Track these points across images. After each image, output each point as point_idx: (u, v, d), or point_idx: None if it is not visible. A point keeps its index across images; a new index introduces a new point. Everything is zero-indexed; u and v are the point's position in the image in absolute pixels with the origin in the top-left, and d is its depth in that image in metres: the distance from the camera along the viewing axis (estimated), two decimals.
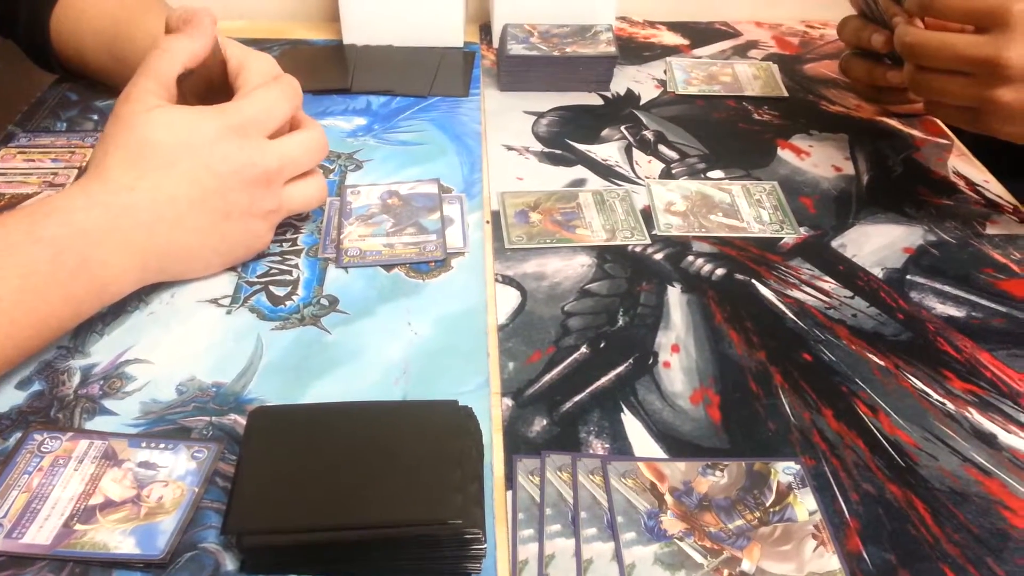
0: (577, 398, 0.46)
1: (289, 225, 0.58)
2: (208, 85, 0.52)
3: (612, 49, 0.76)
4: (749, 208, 0.62)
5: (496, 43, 0.83)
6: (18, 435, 0.42)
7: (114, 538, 0.38)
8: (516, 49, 0.76)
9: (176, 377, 0.46)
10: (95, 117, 0.70)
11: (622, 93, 0.77)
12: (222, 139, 0.48)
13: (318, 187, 0.55)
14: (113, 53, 0.68)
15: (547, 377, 0.48)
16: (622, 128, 0.72)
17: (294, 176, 0.52)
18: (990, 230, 0.61)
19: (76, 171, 0.63)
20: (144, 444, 0.42)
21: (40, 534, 0.38)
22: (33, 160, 0.64)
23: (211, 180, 0.48)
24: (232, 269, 0.53)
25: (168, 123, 0.47)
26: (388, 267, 0.55)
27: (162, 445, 0.42)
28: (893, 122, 0.74)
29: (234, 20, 0.87)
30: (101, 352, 0.48)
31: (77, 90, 0.74)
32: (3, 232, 0.44)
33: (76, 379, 0.46)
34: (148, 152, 0.47)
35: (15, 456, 0.41)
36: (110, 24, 0.68)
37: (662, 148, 0.69)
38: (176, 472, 0.41)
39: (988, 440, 0.45)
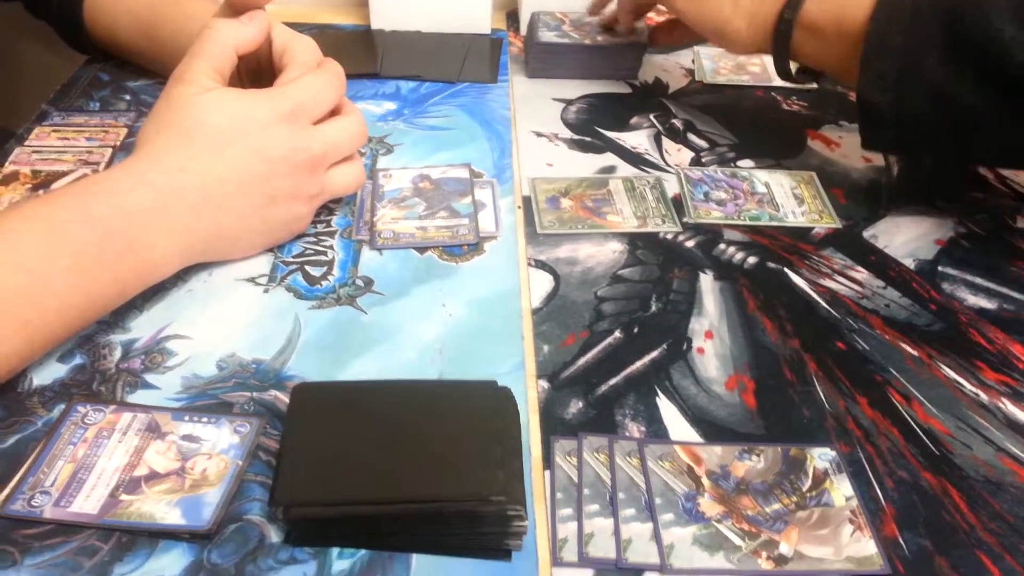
0: (612, 382, 0.47)
1: (323, 207, 0.58)
2: (257, 65, 0.53)
3: (643, 38, 0.76)
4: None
5: (523, 30, 0.83)
6: (62, 407, 0.43)
7: (160, 509, 0.38)
8: (547, 36, 0.76)
9: (216, 353, 0.47)
10: (127, 97, 0.70)
11: (650, 81, 0.78)
12: (273, 124, 0.48)
13: (358, 172, 0.55)
14: (148, 34, 0.68)
15: (582, 360, 0.48)
16: (651, 116, 0.72)
17: (337, 161, 0.53)
18: (1021, 224, 0.61)
19: (110, 149, 0.63)
20: (187, 418, 0.43)
21: (87, 503, 0.38)
22: (68, 139, 0.65)
23: (260, 164, 0.48)
24: (269, 249, 0.54)
25: (221, 106, 0.48)
26: (421, 249, 0.55)
27: (205, 419, 0.42)
28: None
29: None
30: (141, 328, 0.48)
31: (108, 70, 0.74)
32: (53, 210, 0.44)
33: (117, 353, 0.46)
34: (200, 134, 0.47)
35: (59, 427, 0.42)
36: (145, 5, 0.68)
37: (691, 136, 0.69)
38: (219, 445, 0.41)
39: (1022, 431, 0.45)
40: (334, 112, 0.54)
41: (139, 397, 0.44)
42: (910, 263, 0.57)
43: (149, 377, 0.45)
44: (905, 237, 0.59)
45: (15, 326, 0.42)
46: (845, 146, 0.69)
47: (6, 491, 0.39)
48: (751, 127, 0.71)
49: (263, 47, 0.53)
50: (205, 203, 0.48)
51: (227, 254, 0.52)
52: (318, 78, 0.51)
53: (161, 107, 0.48)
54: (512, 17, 0.89)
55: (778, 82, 0.77)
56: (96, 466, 0.40)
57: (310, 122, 0.50)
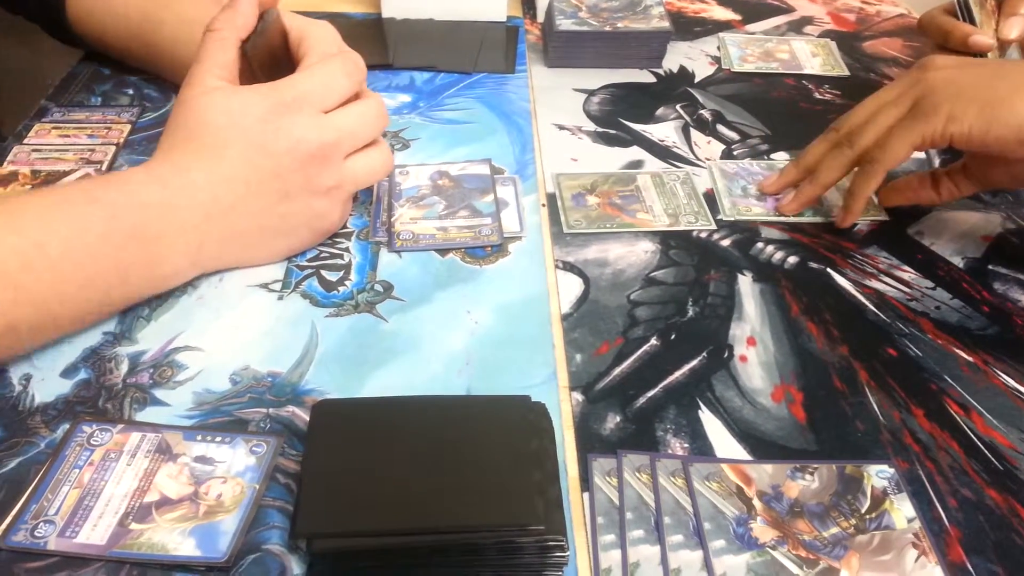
0: (650, 393, 0.44)
1: None
2: (272, 56, 0.50)
3: (666, 24, 0.73)
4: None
5: (540, 17, 0.80)
6: (66, 426, 0.40)
7: (173, 539, 0.35)
8: (565, 24, 0.73)
9: (229, 366, 0.44)
10: (130, 91, 0.67)
11: (675, 70, 0.74)
12: (273, 116, 0.46)
13: (382, 158, 0.51)
14: (142, 38, 0.65)
15: (617, 370, 0.45)
16: (677, 107, 0.69)
17: (355, 149, 0.50)
18: None
19: (113, 147, 0.60)
20: (200, 437, 0.40)
21: (94, 533, 0.35)
22: (69, 136, 0.62)
23: (265, 160, 0.46)
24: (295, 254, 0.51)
25: (222, 104, 0.46)
26: (442, 252, 0.52)
27: (219, 439, 0.40)
28: None
29: None
30: (149, 339, 0.45)
31: (110, 64, 0.71)
32: (62, 192, 0.45)
33: (124, 367, 0.44)
34: (202, 134, 0.46)
35: (64, 449, 0.39)
36: (134, 8, 0.65)
37: (721, 128, 0.66)
38: (235, 468, 0.38)
39: None
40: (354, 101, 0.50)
41: (148, 415, 0.41)
42: (959, 262, 0.54)
43: (158, 393, 0.42)
44: (952, 234, 0.56)
45: (4, 289, 0.39)
46: None
47: (7, 521, 0.36)
48: (783, 117, 0.68)
49: (275, 38, 0.50)
50: (215, 203, 0.45)
51: (247, 259, 0.49)
52: (328, 66, 0.48)
53: (174, 110, 0.48)
54: (528, 3, 0.85)
55: (808, 69, 0.75)
56: (103, 492, 0.37)
57: (319, 111, 0.47)
